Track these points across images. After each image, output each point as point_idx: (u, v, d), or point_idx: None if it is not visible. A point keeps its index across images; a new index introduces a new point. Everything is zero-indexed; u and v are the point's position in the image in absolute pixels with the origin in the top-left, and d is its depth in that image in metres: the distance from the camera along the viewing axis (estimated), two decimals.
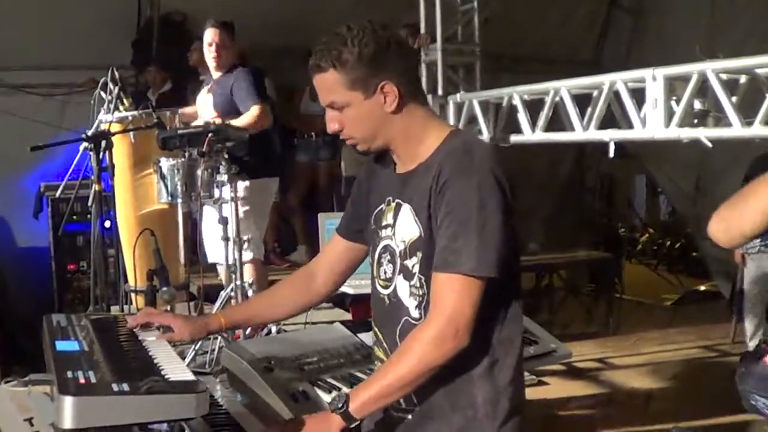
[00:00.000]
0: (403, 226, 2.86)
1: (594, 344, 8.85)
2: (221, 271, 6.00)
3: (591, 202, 12.68)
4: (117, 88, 5.92)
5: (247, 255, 5.93)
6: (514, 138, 6.85)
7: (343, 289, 4.98)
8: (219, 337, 5.17)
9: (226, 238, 5.48)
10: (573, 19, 11.33)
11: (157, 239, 4.39)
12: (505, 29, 9.12)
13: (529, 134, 6.68)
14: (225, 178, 5.31)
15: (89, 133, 6.20)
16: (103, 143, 5.21)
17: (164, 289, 4.23)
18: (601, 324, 9.67)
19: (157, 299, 4.23)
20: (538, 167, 10.40)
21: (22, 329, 8.29)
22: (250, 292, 5.36)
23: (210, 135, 5.15)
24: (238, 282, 5.34)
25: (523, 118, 6.71)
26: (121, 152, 5.82)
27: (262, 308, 3.37)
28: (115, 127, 5.72)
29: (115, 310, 6.13)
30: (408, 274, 2.84)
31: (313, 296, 3.32)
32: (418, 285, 2.81)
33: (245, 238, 5.60)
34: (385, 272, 2.93)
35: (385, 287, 2.94)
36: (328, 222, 5.06)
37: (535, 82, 6.81)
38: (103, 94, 6.44)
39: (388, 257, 2.92)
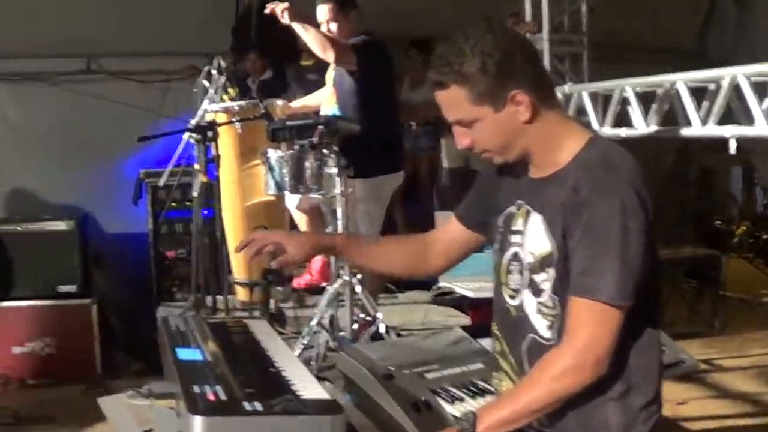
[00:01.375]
0: (534, 238, 2.70)
1: (700, 344, 8.55)
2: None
3: (691, 195, 12.36)
4: (223, 78, 5.81)
5: None
6: (627, 132, 6.61)
7: (463, 291, 4.89)
8: (326, 334, 5.07)
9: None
10: (675, 8, 11.01)
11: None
12: (605, 17, 8.86)
13: (642, 128, 6.44)
14: (334, 171, 5.17)
15: (193, 122, 6.19)
16: (210, 134, 5.13)
17: (279, 288, 4.12)
18: (705, 323, 9.35)
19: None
20: (641, 161, 10.13)
21: (118, 314, 8.28)
22: (358, 288, 5.22)
23: (320, 127, 5.01)
24: (346, 278, 5.20)
25: (636, 111, 6.48)
26: (227, 142, 5.73)
27: (373, 254, 3.28)
28: (221, 118, 5.63)
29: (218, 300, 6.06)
30: (537, 290, 2.70)
31: (423, 267, 3.24)
32: (550, 305, 2.67)
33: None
34: (514, 282, 2.80)
35: (512, 297, 2.81)
36: (444, 221, 4.90)
37: (637, 72, 6.59)
38: (206, 83, 6.35)
39: (518, 267, 2.78)
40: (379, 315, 5.22)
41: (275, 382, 2.45)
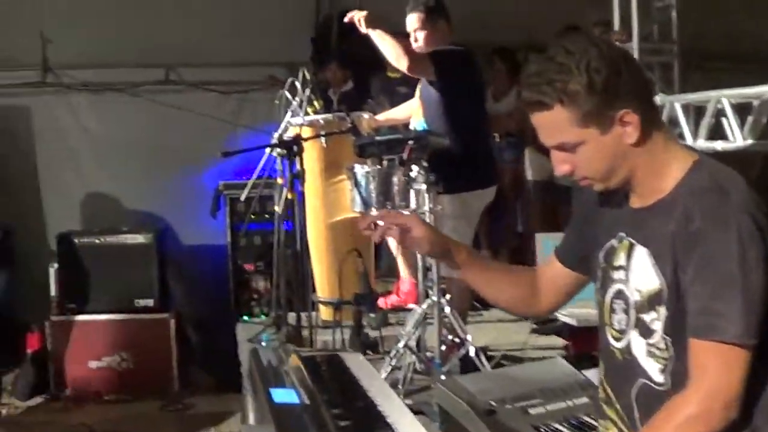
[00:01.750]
0: (640, 274, 2.46)
1: None
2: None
3: None
4: (308, 90, 5.63)
5: (445, 270, 5.55)
6: (723, 145, 6.31)
7: (565, 318, 4.65)
8: (413, 356, 4.87)
9: None
10: (763, 13, 10.62)
11: (364, 261, 4.05)
12: (690, 23, 8.56)
13: (739, 141, 6.15)
14: (423, 187, 4.96)
15: (275, 135, 6.04)
16: (295, 148, 4.96)
17: (372, 315, 3.92)
18: None
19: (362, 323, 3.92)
20: None
21: (195, 328, 8.17)
22: (447, 309, 5.00)
23: (410, 142, 4.80)
24: (434, 298, 4.98)
25: (733, 123, 6.19)
26: (311, 157, 5.54)
27: (488, 281, 3.00)
28: (306, 131, 5.44)
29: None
30: (646, 331, 2.45)
31: (532, 307, 3.01)
32: (662, 346, 2.42)
33: None
34: (619, 322, 2.55)
35: (617, 339, 2.56)
36: (545, 242, 4.61)
37: (725, 80, 6.37)
38: (288, 94, 6.19)
39: (623, 305, 2.53)
40: (469, 337, 5.00)
41: (375, 424, 2.24)
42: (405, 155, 4.80)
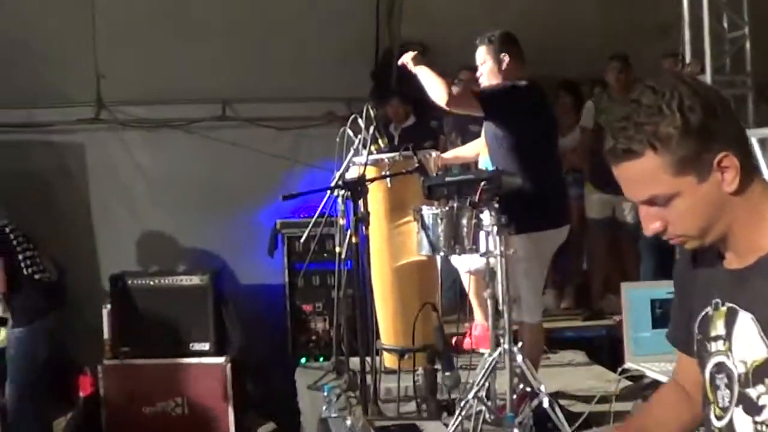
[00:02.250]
0: (744, 342, 2.13)
1: None
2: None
3: None
4: (372, 127, 5.37)
5: (518, 316, 5.26)
6: None
7: (654, 375, 4.32)
8: (483, 406, 4.58)
9: (493, 296, 4.86)
10: None
11: (439, 315, 3.77)
12: (763, 54, 8.23)
13: None
14: (494, 230, 4.68)
15: (337, 174, 5.80)
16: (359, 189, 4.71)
17: (447, 373, 3.64)
18: None
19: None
20: None
21: (252, 371, 7.94)
22: (518, 357, 4.70)
23: (483, 183, 4.52)
24: (506, 345, 4.69)
25: None
26: (375, 198, 5.25)
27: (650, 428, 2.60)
28: (370, 171, 5.16)
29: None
30: (752, 407, 2.12)
31: (697, 419, 2.49)
32: None
33: (515, 296, 4.95)
34: (723, 398, 2.21)
35: (719, 418, 2.22)
36: (632, 293, 4.25)
37: None
38: (350, 131, 5.94)
39: (725, 380, 2.19)
40: (542, 387, 4.69)
41: None
42: (476, 197, 4.51)
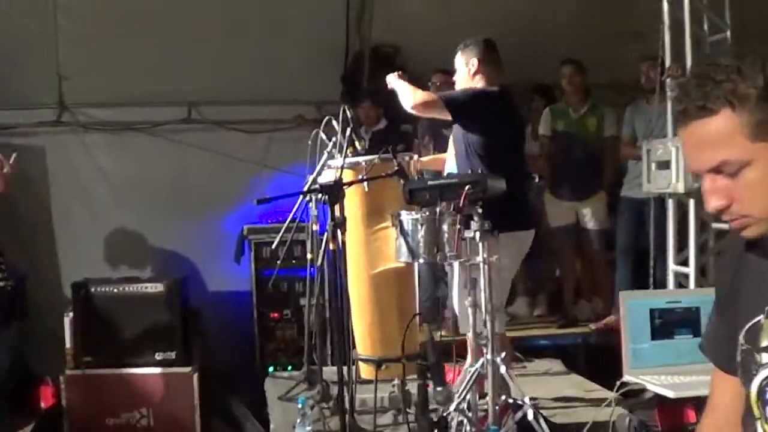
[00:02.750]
0: None
1: None
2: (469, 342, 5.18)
3: None
4: (349, 129, 5.18)
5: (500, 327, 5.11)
6: None
7: (657, 389, 4.13)
8: (465, 419, 4.40)
9: (474, 305, 4.68)
10: None
11: (431, 332, 3.59)
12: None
13: None
14: (476, 235, 4.50)
15: (310, 177, 5.63)
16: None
17: (438, 389, 3.45)
18: None
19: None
20: None
21: (219, 380, 7.72)
22: (502, 369, 4.53)
23: (467, 188, 4.35)
24: (488, 356, 4.51)
25: None
26: (352, 202, 5.02)
27: None
28: (348, 174, 4.95)
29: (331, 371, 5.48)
30: None
31: None
32: None
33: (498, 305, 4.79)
34: None
35: None
36: (630, 302, 4.03)
37: None
38: (323, 135, 5.77)
39: None
40: (527, 399, 4.53)
41: None
42: (461, 201, 4.33)
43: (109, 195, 8.73)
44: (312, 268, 5.96)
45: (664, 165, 6.44)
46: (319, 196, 4.43)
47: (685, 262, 6.58)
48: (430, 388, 4.05)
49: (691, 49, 6.77)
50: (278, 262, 7.22)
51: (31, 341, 7.99)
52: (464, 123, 5.58)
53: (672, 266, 6.62)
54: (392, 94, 5.87)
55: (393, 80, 5.70)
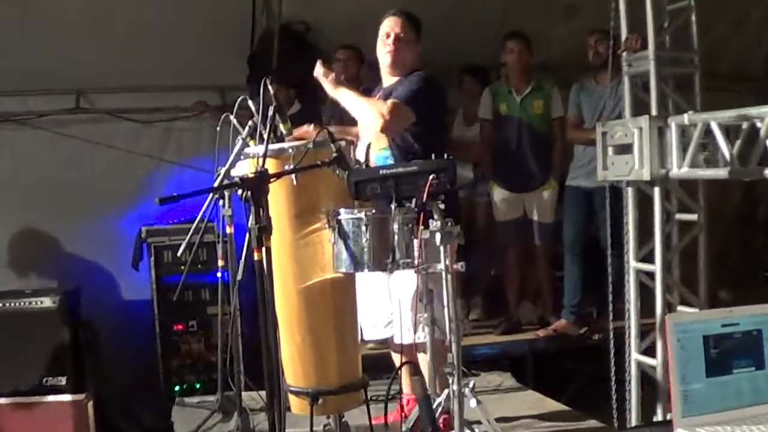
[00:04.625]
0: None
1: None
2: (422, 362, 4.34)
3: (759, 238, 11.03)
4: (272, 109, 4.25)
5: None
6: None
7: None
8: None
9: (432, 322, 3.85)
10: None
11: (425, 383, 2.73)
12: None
13: None
14: (437, 237, 3.65)
15: (221, 171, 4.79)
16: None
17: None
18: None
19: None
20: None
21: (118, 408, 6.84)
22: (473, 402, 3.70)
23: (432, 177, 3.49)
24: (455, 387, 3.68)
25: None
26: (277, 199, 4.01)
27: None
28: (271, 164, 3.99)
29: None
30: None
31: None
32: None
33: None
34: None
35: None
36: (681, 328, 3.03)
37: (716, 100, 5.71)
38: (234, 120, 4.93)
39: None
40: None
41: None
42: (424, 195, 3.47)
43: None
44: (223, 274, 5.35)
45: (624, 149, 5.68)
46: (239, 192, 3.50)
47: (647, 259, 5.82)
48: None
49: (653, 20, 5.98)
50: (186, 267, 6.41)
51: None
52: (421, 117, 4.89)
53: (633, 263, 5.85)
54: (305, 74, 5.27)
55: (345, 98, 5.00)
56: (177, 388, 7.01)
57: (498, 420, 4.36)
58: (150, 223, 7.48)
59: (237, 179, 3.57)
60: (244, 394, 5.09)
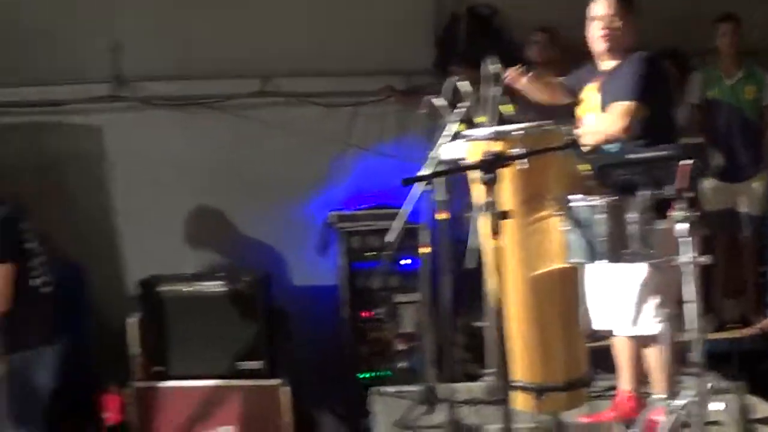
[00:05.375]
0: None
1: None
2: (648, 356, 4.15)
3: None
4: (495, 88, 4.08)
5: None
6: None
7: None
8: None
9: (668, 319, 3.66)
10: None
11: None
12: None
13: None
14: (682, 228, 3.44)
15: (432, 155, 4.63)
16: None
17: None
18: None
19: None
20: None
21: (310, 390, 6.79)
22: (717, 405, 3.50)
23: (686, 163, 3.29)
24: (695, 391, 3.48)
25: None
26: (503, 185, 3.88)
27: None
28: (497, 148, 3.81)
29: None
30: None
31: None
32: None
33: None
34: None
35: None
36: None
37: None
38: (436, 101, 4.84)
39: None
40: None
41: None
42: (678, 179, 3.27)
43: (176, 180, 7.77)
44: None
45: None
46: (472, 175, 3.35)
47: None
48: None
49: None
50: (371, 254, 6.83)
51: (92, 346, 7.14)
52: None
53: None
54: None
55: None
56: (366, 375, 7.01)
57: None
58: (336, 209, 7.49)
59: (467, 163, 3.42)
60: (443, 386, 5.01)
